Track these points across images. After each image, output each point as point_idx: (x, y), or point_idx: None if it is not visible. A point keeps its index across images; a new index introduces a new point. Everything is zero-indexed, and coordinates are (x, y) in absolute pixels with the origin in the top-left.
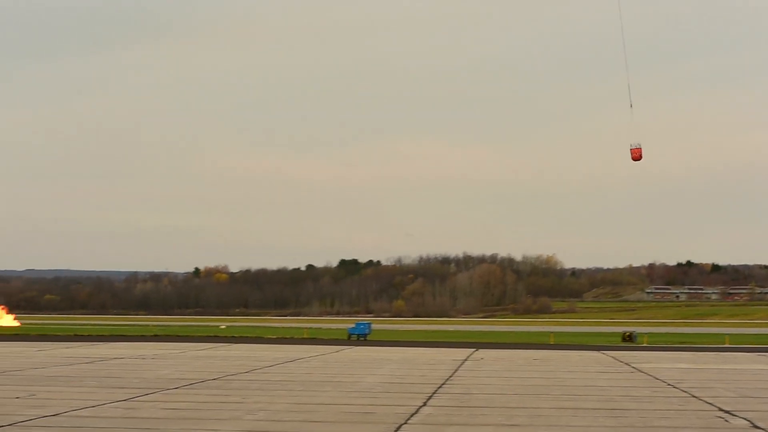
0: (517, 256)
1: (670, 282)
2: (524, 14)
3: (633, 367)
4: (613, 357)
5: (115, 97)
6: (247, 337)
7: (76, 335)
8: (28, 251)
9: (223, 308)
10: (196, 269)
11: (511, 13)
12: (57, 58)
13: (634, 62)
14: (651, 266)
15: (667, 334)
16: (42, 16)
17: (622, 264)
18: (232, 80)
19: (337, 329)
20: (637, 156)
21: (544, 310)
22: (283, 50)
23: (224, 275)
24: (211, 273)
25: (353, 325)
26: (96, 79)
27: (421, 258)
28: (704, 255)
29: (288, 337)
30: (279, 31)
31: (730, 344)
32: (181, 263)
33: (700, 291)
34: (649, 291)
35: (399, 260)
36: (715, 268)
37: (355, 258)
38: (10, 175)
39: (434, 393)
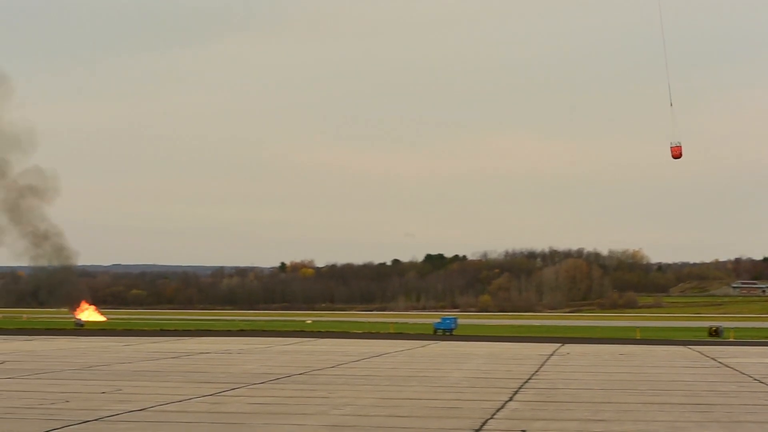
0: (603, 251)
1: (757, 276)
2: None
3: (719, 362)
4: (699, 352)
5: (198, 93)
6: (333, 331)
7: (162, 330)
8: (115, 246)
9: (309, 303)
10: (283, 264)
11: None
12: (141, 53)
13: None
14: (737, 261)
15: (753, 329)
16: (132, 11)
17: (708, 258)
18: (318, 74)
19: (422, 324)
20: (677, 154)
21: (630, 305)
22: (371, 44)
23: (310, 270)
24: (297, 268)
25: (439, 320)
26: (182, 74)
27: (507, 253)
28: None
29: (374, 331)
30: (369, 25)
31: None
32: (267, 258)
33: None
34: (735, 285)
35: (485, 255)
36: None
37: (441, 253)
38: (97, 169)
39: (520, 388)
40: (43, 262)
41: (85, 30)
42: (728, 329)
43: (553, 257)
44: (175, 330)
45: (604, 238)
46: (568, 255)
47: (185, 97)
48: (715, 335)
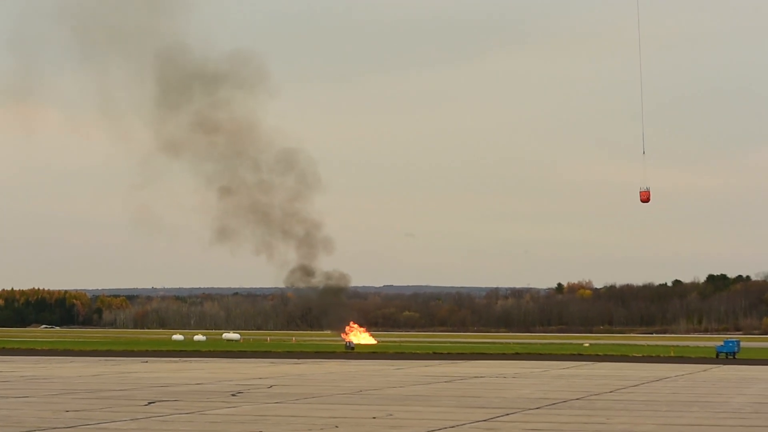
0: None
1: None
2: None
3: None
4: None
5: (472, 108)
6: (611, 355)
7: (434, 353)
8: (386, 267)
9: (586, 325)
10: (559, 285)
11: None
12: (410, 70)
13: None
14: None
15: None
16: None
17: None
18: (595, 88)
19: (704, 347)
20: (645, 198)
21: None
22: (648, 60)
23: (588, 291)
24: (574, 289)
25: (721, 343)
26: (458, 90)
27: None
28: None
29: (654, 355)
30: (634, 40)
31: None
32: (543, 279)
33: None
34: None
35: None
36: None
37: (724, 273)
38: (367, 189)
39: None
40: (314, 284)
41: (357, 45)
42: None
43: None
44: (448, 353)
45: None
46: None
47: (458, 113)
48: None
